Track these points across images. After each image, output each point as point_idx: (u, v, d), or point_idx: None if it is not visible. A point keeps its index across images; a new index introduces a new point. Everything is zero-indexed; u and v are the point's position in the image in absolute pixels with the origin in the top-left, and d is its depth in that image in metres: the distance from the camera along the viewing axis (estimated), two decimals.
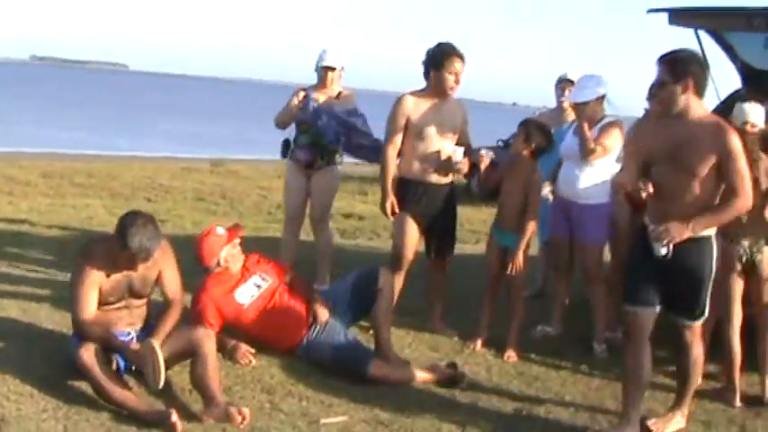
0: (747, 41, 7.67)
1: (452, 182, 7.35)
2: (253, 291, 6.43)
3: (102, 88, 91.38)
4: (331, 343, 6.27)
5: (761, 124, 6.44)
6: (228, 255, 6.40)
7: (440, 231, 7.34)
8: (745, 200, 5.20)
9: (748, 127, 6.36)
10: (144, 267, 5.57)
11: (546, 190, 7.22)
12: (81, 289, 5.44)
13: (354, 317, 6.65)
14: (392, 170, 7.12)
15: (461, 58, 7.03)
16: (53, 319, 6.61)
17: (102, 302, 5.50)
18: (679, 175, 5.23)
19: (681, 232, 5.18)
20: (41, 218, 11.86)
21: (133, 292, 5.62)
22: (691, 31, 7.74)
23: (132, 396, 5.26)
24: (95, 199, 14.72)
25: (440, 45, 7.11)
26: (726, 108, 7.80)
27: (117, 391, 5.22)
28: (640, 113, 7.33)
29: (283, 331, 6.39)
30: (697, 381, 5.83)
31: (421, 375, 6.21)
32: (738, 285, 6.38)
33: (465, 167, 7.12)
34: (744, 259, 6.33)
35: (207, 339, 5.52)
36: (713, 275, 5.42)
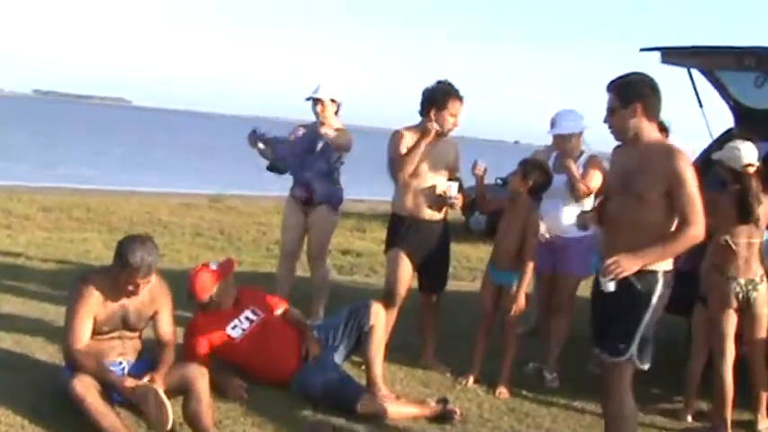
0: (738, 80, 7.74)
1: (446, 218, 7.38)
2: (245, 325, 6.47)
3: (103, 123, 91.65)
4: (323, 378, 6.27)
5: (756, 162, 6.50)
6: (221, 290, 6.45)
7: (433, 267, 7.37)
8: (696, 228, 4.91)
9: (750, 169, 6.42)
10: (141, 303, 5.60)
11: (542, 228, 7.26)
12: (76, 317, 5.46)
13: (347, 352, 6.67)
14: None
15: (461, 99, 7.09)
16: (46, 351, 6.64)
17: (96, 332, 5.51)
18: (629, 203, 5.05)
19: (630, 264, 4.87)
20: (38, 251, 11.86)
21: (127, 325, 5.63)
22: (683, 70, 7.82)
23: (125, 429, 5.25)
24: (93, 233, 14.70)
25: (440, 84, 7.15)
26: (720, 147, 7.85)
27: (109, 423, 5.21)
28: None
29: (275, 365, 6.41)
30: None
31: (412, 411, 6.23)
32: (733, 322, 6.44)
33: (459, 202, 7.17)
34: (740, 296, 6.39)
35: (200, 376, 5.54)
36: (650, 314, 5.06)
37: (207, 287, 6.44)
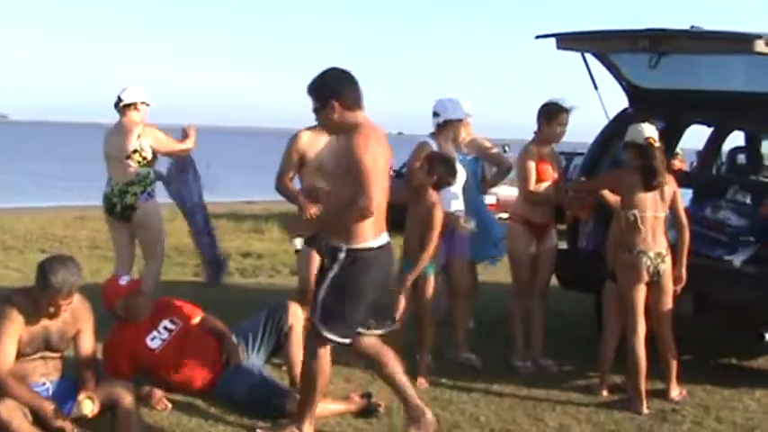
0: (633, 62, 7.91)
1: None
2: (164, 335, 6.42)
3: None
4: (246, 382, 6.26)
5: (657, 138, 6.71)
6: (128, 305, 6.40)
7: None
8: (364, 199, 5.20)
9: (651, 141, 6.65)
10: (63, 323, 5.50)
11: (472, 224, 7.44)
12: (2, 341, 5.34)
13: (267, 354, 6.66)
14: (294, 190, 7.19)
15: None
16: None
17: (19, 353, 5.39)
18: (332, 181, 5.71)
19: (306, 227, 5.87)
20: None
21: (50, 346, 5.52)
22: (578, 54, 7.97)
23: None
24: None
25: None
26: (616, 126, 8.06)
27: None
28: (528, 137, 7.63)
29: (197, 373, 6.38)
30: (318, 391, 5.67)
31: (337, 407, 6.25)
32: (642, 296, 6.64)
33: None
34: (650, 270, 6.59)
35: (126, 392, 5.50)
36: (326, 285, 5.41)
37: (113, 299, 6.40)
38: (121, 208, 8.10)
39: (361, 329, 5.66)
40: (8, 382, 5.31)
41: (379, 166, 5.31)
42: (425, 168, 7.06)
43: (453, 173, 7.14)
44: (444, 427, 6.15)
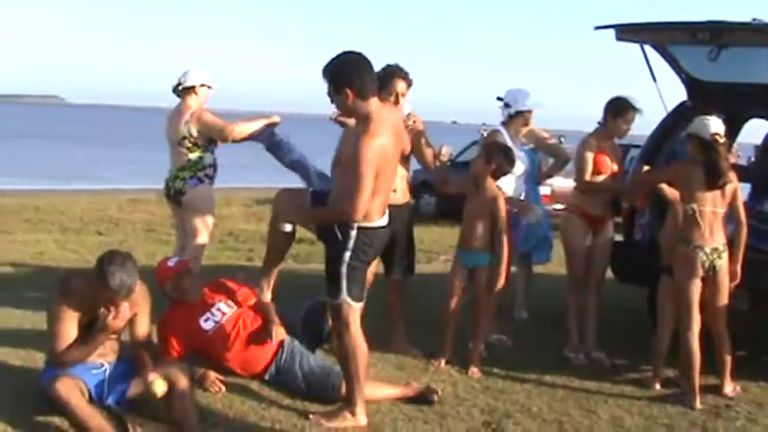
0: (692, 55, 7.85)
1: (409, 202, 7.43)
2: (217, 317, 6.41)
3: (38, 122, 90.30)
4: (300, 367, 6.30)
5: (722, 134, 6.64)
6: (176, 286, 6.45)
7: (399, 252, 7.40)
8: (350, 208, 5.41)
9: (717, 137, 6.58)
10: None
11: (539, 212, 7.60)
12: (60, 325, 5.44)
13: (313, 345, 6.69)
14: None
15: (404, 78, 7.14)
16: (18, 356, 6.58)
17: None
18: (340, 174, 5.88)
19: (295, 215, 6.23)
20: None
21: None
22: (637, 46, 7.93)
23: (110, 428, 5.28)
24: (45, 234, 14.61)
25: (384, 67, 7.17)
26: (674, 118, 8.00)
27: (95, 424, 5.23)
28: (590, 129, 7.59)
29: (251, 355, 6.38)
30: (360, 370, 5.79)
31: (393, 391, 6.30)
32: (698, 291, 6.59)
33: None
34: (706, 265, 6.53)
35: (182, 374, 5.58)
36: (347, 261, 5.57)
37: (162, 280, 6.46)
38: (173, 192, 8.16)
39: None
40: (68, 354, 5.45)
41: (385, 157, 5.47)
42: (484, 157, 7.08)
43: (512, 162, 7.15)
44: (496, 416, 6.16)
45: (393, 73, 7.13)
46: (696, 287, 6.59)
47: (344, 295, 5.65)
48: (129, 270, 5.42)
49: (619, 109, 7.44)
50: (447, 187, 7.70)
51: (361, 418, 5.80)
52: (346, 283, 5.63)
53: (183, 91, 8.10)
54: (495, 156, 7.06)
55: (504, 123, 7.79)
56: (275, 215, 6.80)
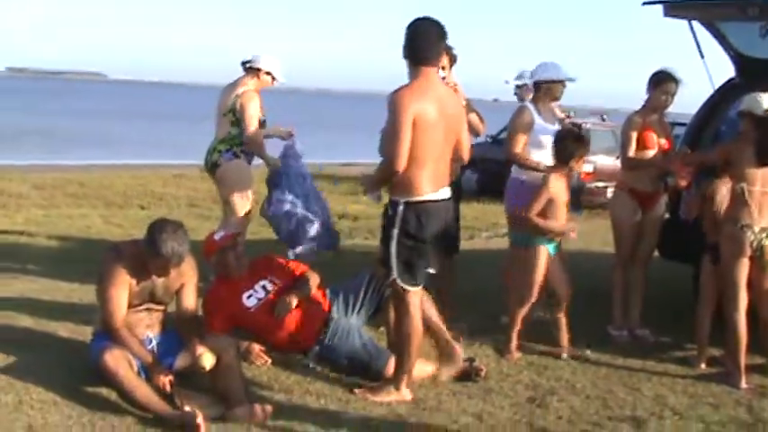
0: (741, 31, 7.77)
1: (457, 181, 7.37)
2: (260, 294, 6.44)
3: (82, 98, 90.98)
4: (346, 344, 6.31)
5: None
6: (220, 260, 6.49)
7: (446, 228, 7.34)
8: (387, 157, 5.51)
9: None
10: (169, 277, 5.64)
11: None
12: (112, 290, 5.49)
13: (367, 315, 6.63)
14: None
15: (447, 51, 7.06)
16: (67, 328, 6.66)
17: (127, 304, 5.57)
18: None
19: (367, 182, 5.87)
20: (39, 228, 11.90)
21: (154, 298, 5.68)
22: (685, 22, 7.86)
23: (157, 399, 5.32)
24: (90, 208, 14.75)
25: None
26: (721, 96, 7.93)
27: (142, 394, 5.30)
28: (636, 106, 7.53)
29: (294, 333, 6.38)
30: (412, 352, 5.80)
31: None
32: (745, 271, 6.51)
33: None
34: (754, 244, 6.46)
35: (230, 347, 5.63)
36: (395, 240, 5.57)
37: (208, 254, 6.53)
38: (210, 165, 8.23)
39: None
40: (121, 332, 5.49)
41: (427, 122, 5.47)
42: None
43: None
44: (540, 392, 6.17)
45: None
46: (744, 267, 6.51)
47: (395, 275, 5.64)
48: (181, 238, 5.47)
49: (659, 80, 7.38)
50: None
51: (406, 393, 5.83)
52: (396, 262, 5.60)
53: (248, 68, 8.21)
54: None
55: (533, 99, 7.71)
56: None
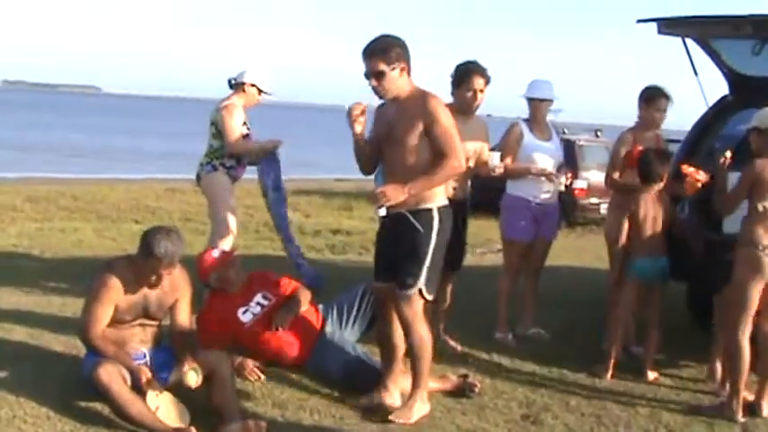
0: (735, 48, 7.80)
1: (465, 197, 7.36)
2: (256, 310, 6.44)
3: (75, 111, 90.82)
4: (339, 358, 6.31)
5: None
6: (221, 277, 6.48)
7: (453, 244, 7.32)
8: (455, 160, 5.58)
9: None
10: (162, 292, 5.64)
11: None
12: (96, 304, 5.50)
13: (361, 330, 6.64)
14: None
15: (482, 74, 7.20)
16: (60, 342, 6.65)
17: (118, 320, 5.56)
18: (395, 150, 5.68)
19: (396, 194, 5.48)
20: (32, 242, 11.84)
21: (148, 314, 5.67)
22: (678, 40, 7.89)
23: (151, 414, 5.31)
24: (83, 222, 14.68)
25: (464, 63, 7.35)
26: (714, 114, 7.95)
27: (136, 410, 5.28)
28: (630, 123, 7.54)
29: (288, 348, 6.39)
30: (428, 362, 5.84)
31: (432, 385, 6.25)
32: (758, 294, 6.17)
33: (501, 170, 7.42)
34: None
35: (223, 361, 5.63)
36: (432, 248, 5.61)
37: (205, 271, 6.50)
38: (196, 176, 8.42)
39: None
40: (97, 342, 5.48)
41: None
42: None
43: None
44: (534, 409, 6.17)
45: (472, 70, 7.22)
46: (758, 290, 6.15)
47: (421, 283, 5.64)
48: (174, 240, 5.50)
49: (649, 97, 7.40)
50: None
51: (427, 405, 5.90)
52: (426, 270, 5.63)
53: (235, 84, 8.40)
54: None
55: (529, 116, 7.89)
56: None
